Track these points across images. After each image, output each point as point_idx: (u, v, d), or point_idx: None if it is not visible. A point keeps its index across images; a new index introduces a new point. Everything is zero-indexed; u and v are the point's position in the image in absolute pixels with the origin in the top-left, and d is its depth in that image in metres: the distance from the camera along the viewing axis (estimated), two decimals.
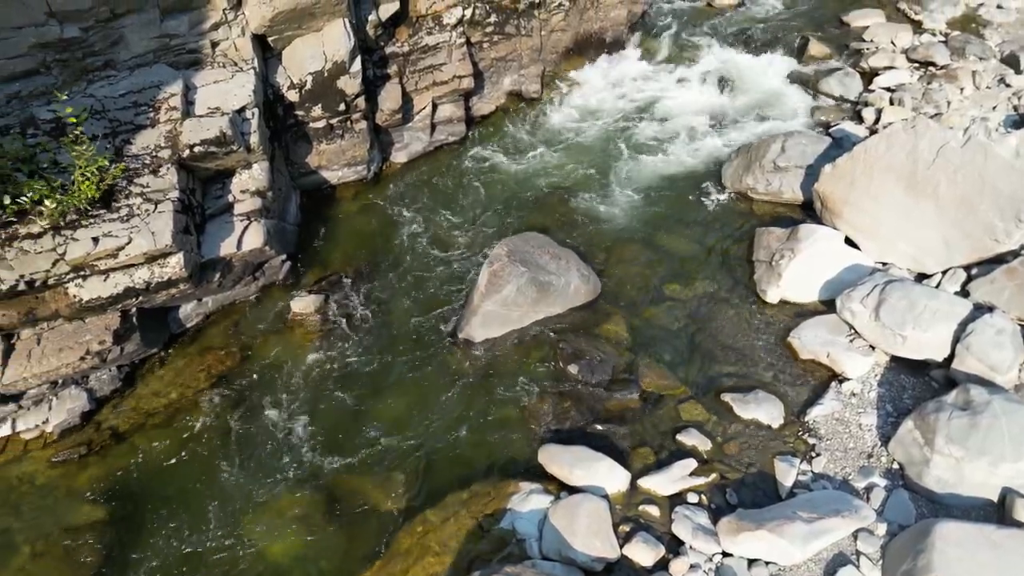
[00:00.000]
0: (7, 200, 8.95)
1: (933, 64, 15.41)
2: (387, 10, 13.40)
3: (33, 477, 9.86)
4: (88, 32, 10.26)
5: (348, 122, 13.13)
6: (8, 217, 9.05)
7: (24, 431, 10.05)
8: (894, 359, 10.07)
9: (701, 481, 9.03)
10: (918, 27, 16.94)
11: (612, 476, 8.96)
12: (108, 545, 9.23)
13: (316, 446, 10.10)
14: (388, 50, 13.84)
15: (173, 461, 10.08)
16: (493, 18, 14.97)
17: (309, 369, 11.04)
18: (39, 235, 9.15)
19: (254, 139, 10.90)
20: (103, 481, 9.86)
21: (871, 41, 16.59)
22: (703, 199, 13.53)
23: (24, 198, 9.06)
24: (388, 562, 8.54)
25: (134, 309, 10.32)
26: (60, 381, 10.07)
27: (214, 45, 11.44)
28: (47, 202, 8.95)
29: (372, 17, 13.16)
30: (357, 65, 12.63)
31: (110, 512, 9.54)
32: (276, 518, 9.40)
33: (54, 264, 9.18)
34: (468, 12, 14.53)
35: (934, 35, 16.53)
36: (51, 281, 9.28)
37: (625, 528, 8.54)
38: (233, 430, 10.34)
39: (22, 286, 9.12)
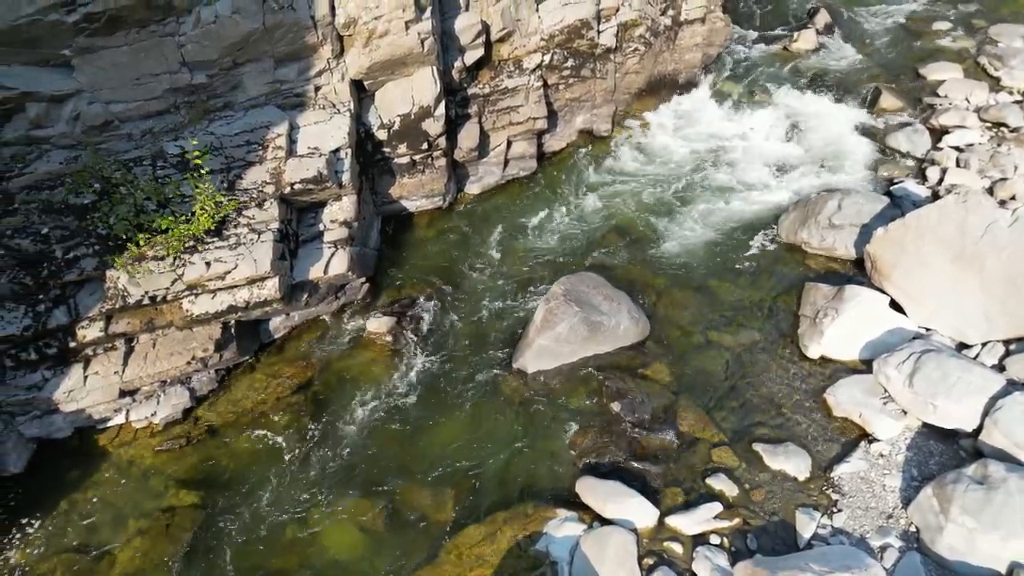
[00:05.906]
0: (140, 236, 10.58)
1: (1005, 125, 15.46)
2: (472, 56, 14.55)
3: (140, 462, 11.47)
4: (213, 78, 11.80)
5: (429, 159, 14.35)
6: (139, 242, 10.66)
7: (135, 421, 11.69)
8: (925, 425, 10.52)
9: (725, 524, 9.78)
10: (996, 84, 16.93)
11: (642, 511, 9.81)
12: (199, 525, 10.68)
13: (379, 456, 11.33)
14: (470, 91, 14.99)
15: (257, 457, 11.50)
16: (570, 62, 15.90)
17: (378, 385, 12.30)
18: (162, 258, 10.72)
19: (346, 176, 12.23)
20: (198, 469, 11.37)
21: (945, 96, 16.68)
22: (757, 248, 14.13)
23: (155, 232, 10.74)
24: (434, 570, 9.67)
25: (233, 322, 11.83)
26: (168, 380, 11.65)
27: (317, 89, 12.84)
28: (173, 232, 10.49)
29: (458, 63, 14.33)
30: (441, 109, 13.83)
31: (202, 497, 11.02)
32: (339, 516, 10.66)
33: (173, 283, 10.77)
34: (547, 57, 15.53)
35: (1011, 93, 16.49)
36: (169, 297, 10.88)
37: (649, 561, 9.40)
38: (308, 434, 11.69)
39: (146, 300, 10.74)
